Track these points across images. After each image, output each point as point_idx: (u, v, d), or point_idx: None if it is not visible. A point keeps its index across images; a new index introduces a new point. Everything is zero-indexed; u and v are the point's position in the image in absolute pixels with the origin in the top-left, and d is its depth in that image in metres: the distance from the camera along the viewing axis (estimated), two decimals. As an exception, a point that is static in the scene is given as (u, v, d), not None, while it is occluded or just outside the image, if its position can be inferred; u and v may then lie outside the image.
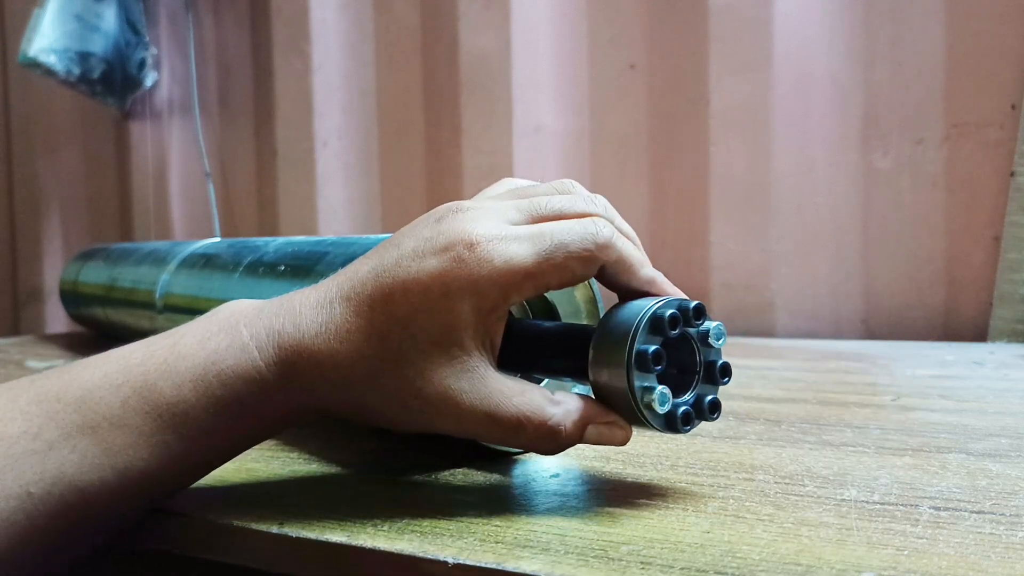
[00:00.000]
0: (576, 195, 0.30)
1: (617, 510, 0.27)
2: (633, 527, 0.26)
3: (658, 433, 0.32)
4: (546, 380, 0.35)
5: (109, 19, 1.25)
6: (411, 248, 0.27)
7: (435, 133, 1.06)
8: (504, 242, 0.27)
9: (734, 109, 0.87)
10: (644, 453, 0.35)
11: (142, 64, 1.28)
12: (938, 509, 0.27)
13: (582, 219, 0.28)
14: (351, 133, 1.13)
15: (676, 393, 0.28)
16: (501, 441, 0.28)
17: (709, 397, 0.28)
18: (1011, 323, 0.75)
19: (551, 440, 0.27)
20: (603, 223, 0.28)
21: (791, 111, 0.85)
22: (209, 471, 0.29)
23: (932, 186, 0.80)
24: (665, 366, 0.27)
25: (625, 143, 0.94)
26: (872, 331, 0.83)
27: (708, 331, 0.28)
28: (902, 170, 0.81)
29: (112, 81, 1.28)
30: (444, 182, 1.05)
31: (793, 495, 0.29)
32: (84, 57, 1.23)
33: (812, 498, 0.28)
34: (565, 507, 0.28)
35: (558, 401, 0.28)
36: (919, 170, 0.80)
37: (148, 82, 1.29)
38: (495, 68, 0.98)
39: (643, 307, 0.27)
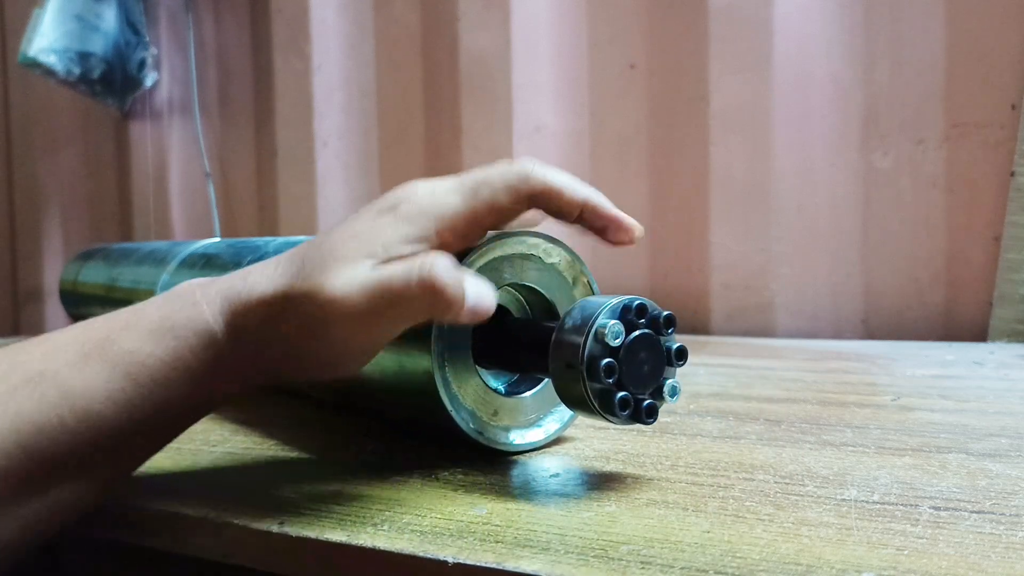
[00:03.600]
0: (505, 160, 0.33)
1: (617, 510, 0.27)
2: (633, 527, 0.26)
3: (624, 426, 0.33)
4: (547, 381, 0.35)
5: (109, 19, 1.25)
6: (356, 213, 0.31)
7: (435, 133, 1.06)
8: (435, 194, 0.30)
9: (734, 109, 0.87)
10: (644, 453, 0.35)
11: (142, 64, 1.28)
12: (938, 509, 0.27)
13: (507, 163, 0.31)
14: (351, 133, 1.13)
15: (643, 381, 0.29)
16: (405, 318, 0.28)
17: (669, 382, 0.30)
18: (1011, 323, 0.75)
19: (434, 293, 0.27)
20: (526, 160, 0.31)
21: (791, 111, 0.85)
22: (167, 433, 0.30)
23: (932, 186, 0.80)
24: (625, 360, 0.28)
25: (625, 143, 0.94)
26: (872, 331, 0.83)
27: (660, 326, 0.30)
28: (902, 170, 0.81)
29: (112, 81, 1.28)
30: (444, 182, 1.05)
31: (793, 495, 0.29)
32: (84, 57, 1.23)
33: (812, 498, 0.28)
34: (565, 507, 0.28)
35: (428, 254, 0.28)
36: (919, 170, 0.80)
37: (148, 82, 1.29)
38: (495, 68, 0.98)
39: (593, 312, 0.29)
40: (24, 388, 0.27)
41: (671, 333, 0.30)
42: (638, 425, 0.29)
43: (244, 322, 0.29)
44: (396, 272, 0.27)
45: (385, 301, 0.27)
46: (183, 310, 0.29)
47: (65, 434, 0.27)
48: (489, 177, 0.30)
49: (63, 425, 0.27)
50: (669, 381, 0.30)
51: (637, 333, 0.29)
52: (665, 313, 0.30)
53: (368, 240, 0.28)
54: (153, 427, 0.29)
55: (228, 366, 0.30)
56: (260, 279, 0.29)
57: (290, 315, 0.28)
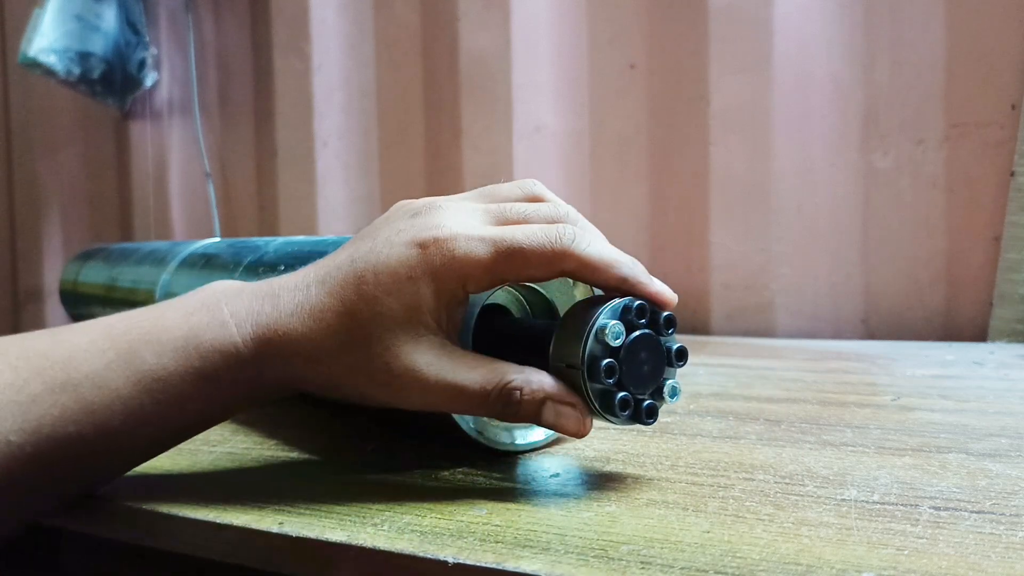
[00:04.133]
0: (544, 203, 0.31)
1: (617, 510, 0.27)
2: (633, 527, 0.26)
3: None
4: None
5: (109, 19, 1.25)
6: (385, 237, 0.30)
7: (435, 133, 1.06)
8: (468, 241, 0.29)
9: (734, 109, 0.87)
10: (644, 453, 0.35)
11: (142, 64, 1.28)
12: (938, 509, 0.27)
13: (545, 226, 0.29)
14: (351, 133, 1.13)
15: (643, 381, 0.29)
16: (467, 411, 0.30)
17: (669, 382, 0.30)
18: (1011, 323, 0.75)
19: (508, 403, 0.28)
20: (565, 232, 0.29)
21: (791, 111, 0.85)
22: (181, 439, 0.31)
23: (932, 186, 0.80)
24: (626, 361, 0.28)
25: (625, 143, 0.94)
26: (872, 331, 0.83)
27: (660, 327, 0.30)
28: (902, 170, 0.81)
29: (112, 81, 1.28)
30: (444, 182, 1.05)
31: (793, 495, 0.29)
32: (84, 57, 1.23)
33: (812, 498, 0.28)
34: (565, 507, 0.28)
35: (522, 370, 0.29)
36: (919, 170, 0.80)
37: (148, 82, 1.29)
38: (495, 68, 0.98)
39: (594, 313, 0.29)
40: (46, 398, 0.27)
41: (671, 333, 0.30)
42: (638, 425, 0.29)
43: (279, 353, 0.29)
44: (476, 379, 0.29)
45: (460, 395, 0.29)
46: (210, 329, 0.29)
47: (82, 444, 0.27)
48: (524, 246, 0.28)
49: (81, 437, 0.27)
50: (669, 381, 0.30)
51: (637, 333, 0.29)
52: (665, 313, 0.30)
53: (410, 294, 0.28)
54: (168, 436, 0.30)
55: (253, 385, 0.30)
56: (296, 312, 0.29)
57: (343, 365, 0.29)
